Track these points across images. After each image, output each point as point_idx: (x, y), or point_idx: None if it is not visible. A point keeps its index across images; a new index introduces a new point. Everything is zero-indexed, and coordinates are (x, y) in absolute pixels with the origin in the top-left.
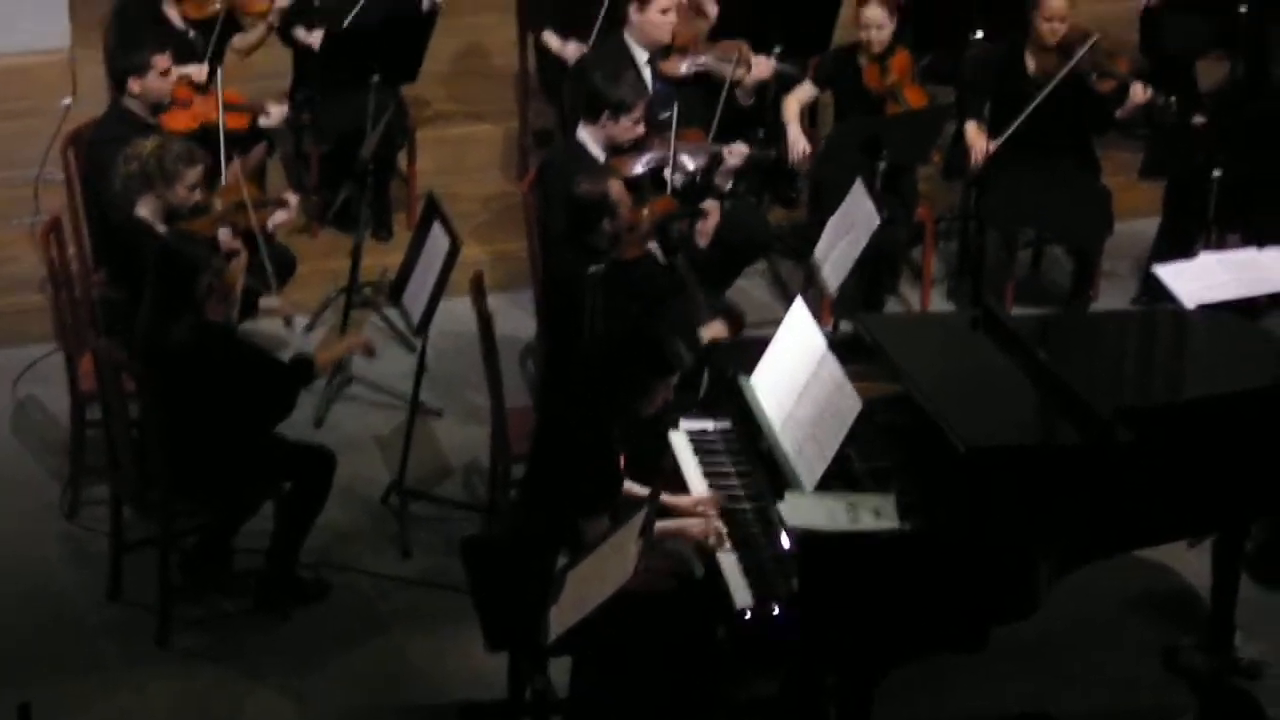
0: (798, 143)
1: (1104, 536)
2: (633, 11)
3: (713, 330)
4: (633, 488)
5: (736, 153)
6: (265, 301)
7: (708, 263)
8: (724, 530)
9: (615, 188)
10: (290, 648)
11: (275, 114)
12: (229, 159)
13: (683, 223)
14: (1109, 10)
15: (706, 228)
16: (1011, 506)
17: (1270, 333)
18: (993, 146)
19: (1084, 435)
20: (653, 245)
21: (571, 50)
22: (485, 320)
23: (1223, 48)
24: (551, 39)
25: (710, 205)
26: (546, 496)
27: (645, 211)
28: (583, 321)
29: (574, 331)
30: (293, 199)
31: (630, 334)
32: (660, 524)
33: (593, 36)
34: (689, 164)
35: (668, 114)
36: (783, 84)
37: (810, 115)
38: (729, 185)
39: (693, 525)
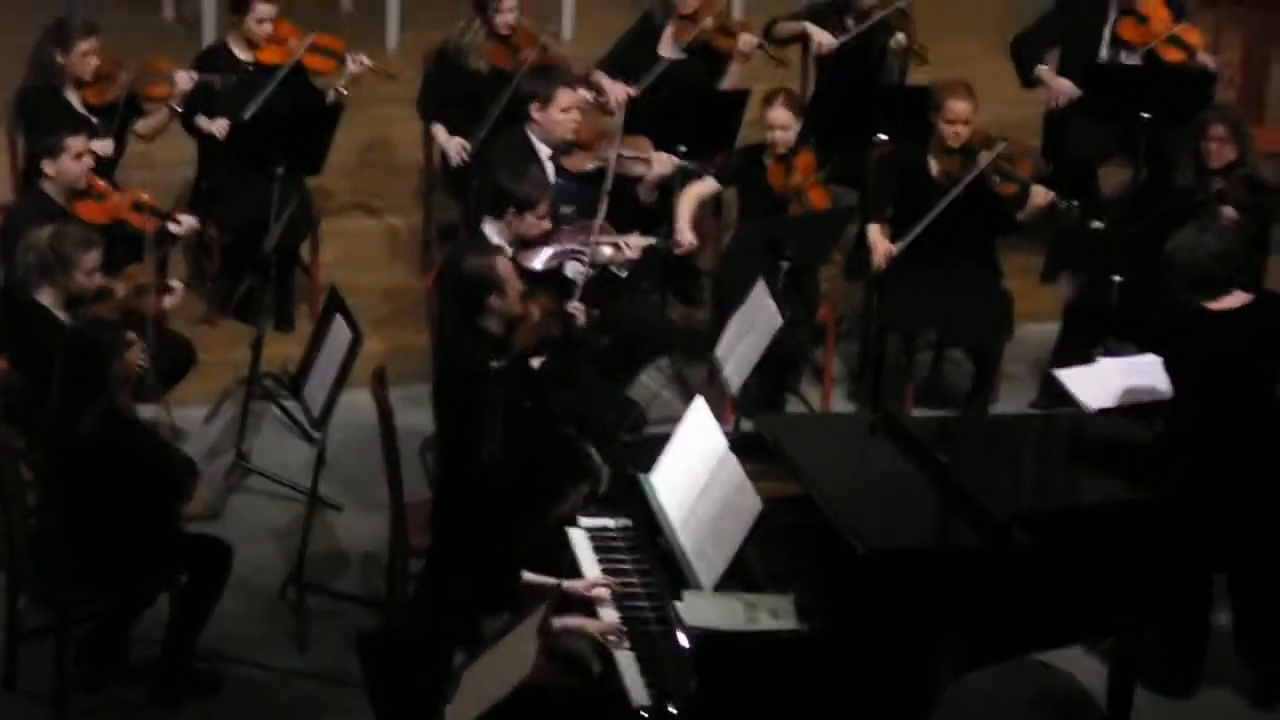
0: (683, 233)
1: (1001, 639)
2: (534, 110)
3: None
4: (531, 578)
5: (635, 245)
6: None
7: (609, 359)
8: (623, 629)
9: (502, 264)
10: None
11: (185, 224)
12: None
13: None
14: (1012, 114)
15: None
16: (909, 609)
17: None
18: (896, 249)
19: (982, 539)
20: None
21: (454, 146)
22: (385, 414)
23: (1125, 153)
24: (439, 132)
25: (575, 307)
26: (444, 593)
27: (534, 305)
28: (482, 417)
29: (472, 427)
30: (177, 284)
31: (543, 439)
32: (560, 620)
33: (482, 133)
34: (595, 257)
35: (571, 209)
36: (686, 181)
37: (715, 208)
38: (624, 274)
39: (591, 624)
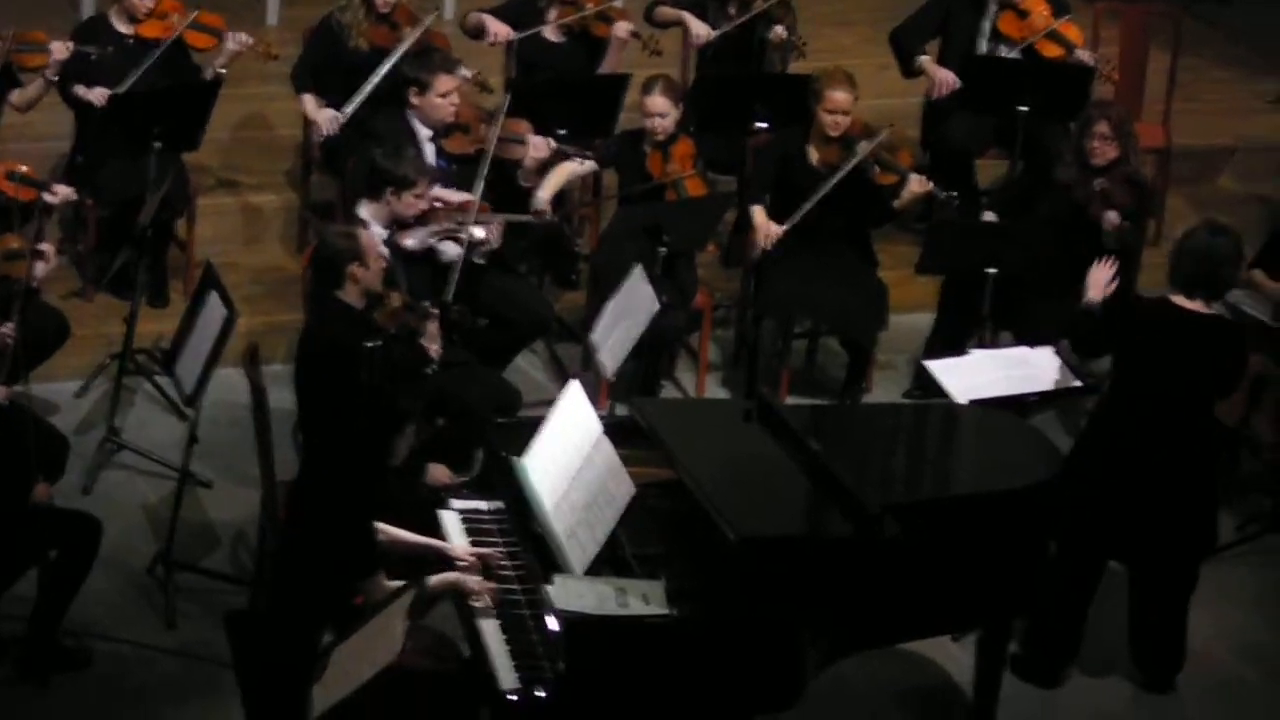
0: (540, 201)
1: (870, 628)
2: (413, 95)
3: (435, 474)
4: (389, 530)
5: (497, 221)
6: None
7: (485, 341)
8: (494, 588)
9: (364, 235)
10: (51, 715)
11: (61, 195)
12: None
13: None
14: (891, 105)
15: (432, 333)
16: (779, 596)
17: (1038, 431)
18: (780, 230)
19: (853, 528)
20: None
21: (324, 118)
22: (258, 391)
23: (1002, 146)
24: (309, 103)
25: (458, 311)
26: (304, 568)
27: (395, 292)
28: (348, 394)
29: (340, 403)
30: (49, 248)
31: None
32: (437, 577)
33: (351, 108)
34: (471, 238)
35: (450, 190)
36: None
37: (595, 191)
38: (481, 261)
39: (469, 580)
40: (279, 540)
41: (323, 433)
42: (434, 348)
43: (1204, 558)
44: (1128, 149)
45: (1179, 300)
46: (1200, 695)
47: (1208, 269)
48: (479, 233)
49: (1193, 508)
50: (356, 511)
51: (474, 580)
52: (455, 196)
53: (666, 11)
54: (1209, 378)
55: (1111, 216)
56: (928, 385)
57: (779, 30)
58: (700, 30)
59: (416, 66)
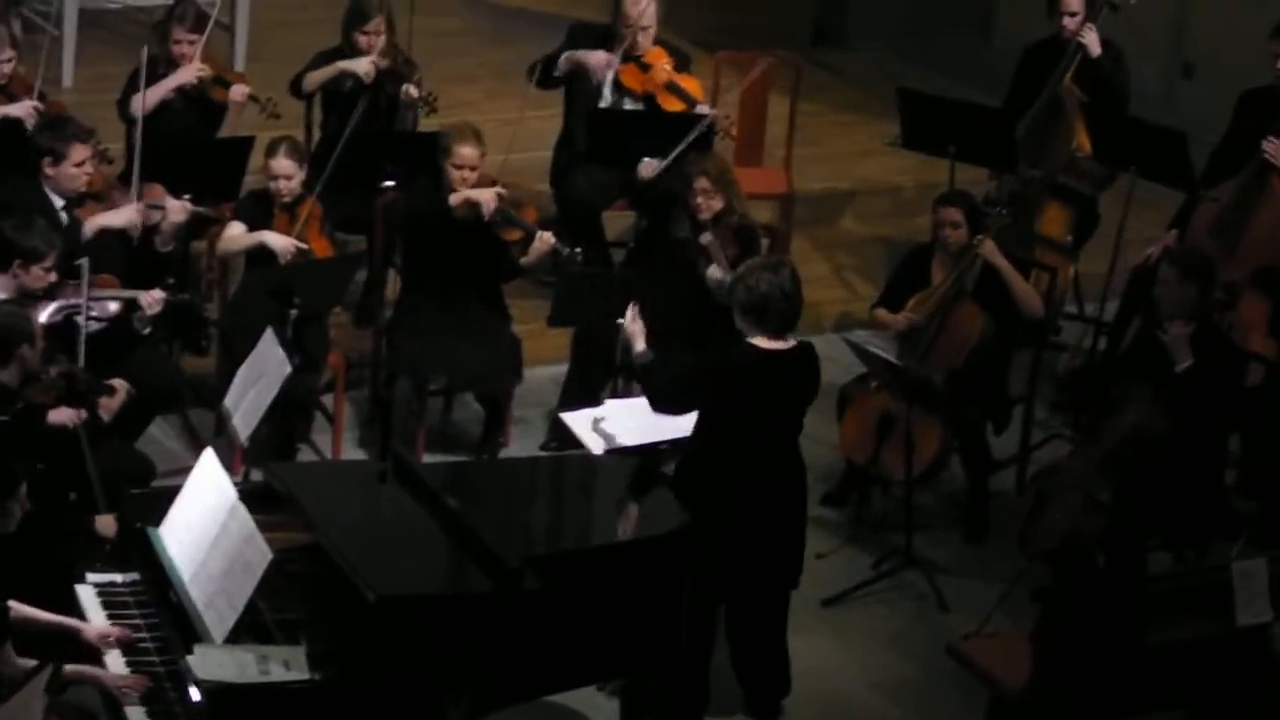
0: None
1: (514, 682)
2: (47, 166)
3: (104, 524)
4: (21, 609)
5: (155, 299)
6: None
7: (119, 412)
8: (138, 680)
9: (34, 317)
10: None
11: None
12: None
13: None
14: (520, 160)
15: (111, 405)
16: (421, 654)
17: (672, 479)
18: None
19: (493, 583)
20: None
21: None
22: None
23: (628, 198)
24: None
25: (119, 384)
26: None
27: (52, 367)
28: None
29: None
30: None
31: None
32: (74, 667)
33: None
34: (103, 311)
35: (86, 260)
36: (202, 227)
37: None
38: (146, 330)
39: (107, 675)
40: None
41: None
42: (68, 416)
43: (792, 586)
44: (731, 199)
45: (762, 342)
46: None
47: (788, 305)
48: (111, 306)
49: (784, 540)
50: None
51: (111, 677)
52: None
53: (315, 76)
54: (797, 412)
55: (714, 272)
56: (564, 437)
57: (409, 88)
58: (364, 67)
59: (51, 137)
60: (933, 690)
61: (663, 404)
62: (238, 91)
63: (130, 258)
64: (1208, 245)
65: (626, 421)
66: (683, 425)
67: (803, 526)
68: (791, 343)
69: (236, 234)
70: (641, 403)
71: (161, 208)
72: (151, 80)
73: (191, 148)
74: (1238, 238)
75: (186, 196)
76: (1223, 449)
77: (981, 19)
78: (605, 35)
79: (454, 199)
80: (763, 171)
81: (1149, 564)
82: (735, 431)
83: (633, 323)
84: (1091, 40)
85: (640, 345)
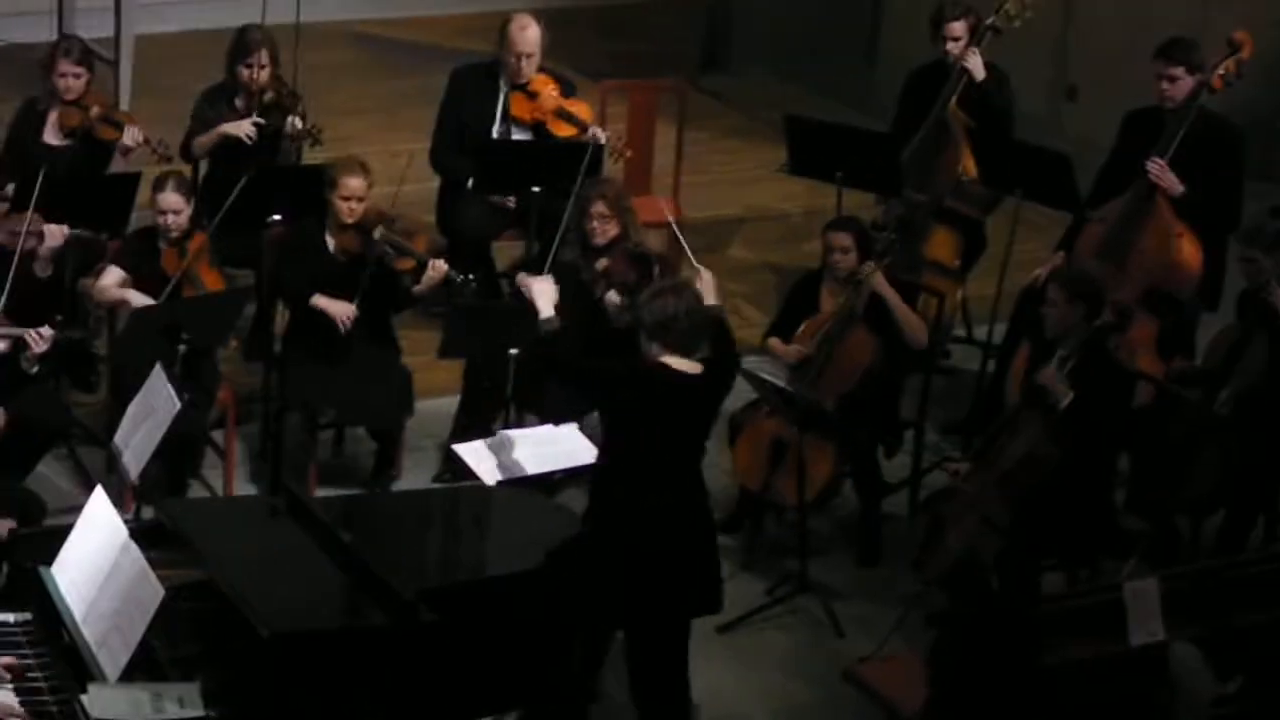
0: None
1: (410, 716)
2: None
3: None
4: None
5: (44, 336)
6: None
7: (6, 449)
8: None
9: None
10: None
11: None
12: None
13: None
14: (408, 191)
15: None
16: (316, 690)
17: (566, 509)
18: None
19: (388, 617)
20: None
21: None
22: None
23: (518, 226)
24: None
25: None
26: None
27: None
28: None
29: None
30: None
31: None
32: None
33: None
34: None
35: None
36: (88, 257)
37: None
38: (34, 370)
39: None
40: None
41: None
42: None
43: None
44: (627, 225)
45: (674, 362)
46: None
47: (692, 324)
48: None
49: (697, 564)
50: None
51: (3, 708)
52: None
53: (204, 140)
54: (701, 433)
55: (612, 296)
56: (457, 469)
57: (293, 121)
58: (247, 130)
59: None
60: (831, 714)
61: (565, 377)
62: (130, 136)
63: (9, 285)
64: (1094, 266)
65: (519, 451)
66: (578, 454)
67: (714, 550)
68: (698, 367)
69: (108, 284)
70: (535, 433)
71: (39, 233)
72: (31, 117)
73: (79, 182)
74: (1125, 258)
75: (77, 232)
76: (1112, 469)
77: (866, 43)
78: (489, 70)
79: (333, 235)
80: (651, 199)
81: (1043, 585)
82: (643, 448)
83: (543, 282)
84: (975, 64)
85: (548, 310)
